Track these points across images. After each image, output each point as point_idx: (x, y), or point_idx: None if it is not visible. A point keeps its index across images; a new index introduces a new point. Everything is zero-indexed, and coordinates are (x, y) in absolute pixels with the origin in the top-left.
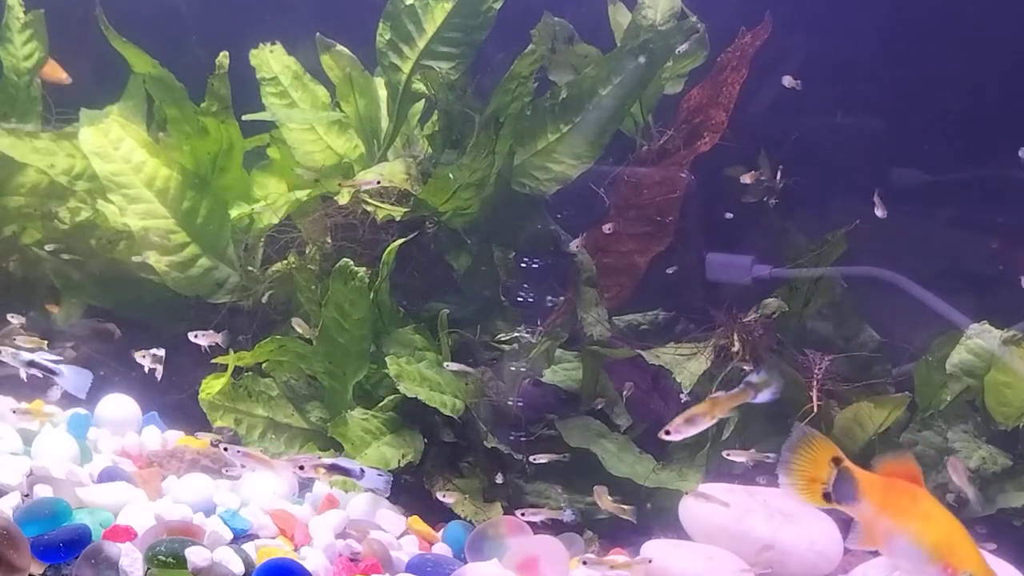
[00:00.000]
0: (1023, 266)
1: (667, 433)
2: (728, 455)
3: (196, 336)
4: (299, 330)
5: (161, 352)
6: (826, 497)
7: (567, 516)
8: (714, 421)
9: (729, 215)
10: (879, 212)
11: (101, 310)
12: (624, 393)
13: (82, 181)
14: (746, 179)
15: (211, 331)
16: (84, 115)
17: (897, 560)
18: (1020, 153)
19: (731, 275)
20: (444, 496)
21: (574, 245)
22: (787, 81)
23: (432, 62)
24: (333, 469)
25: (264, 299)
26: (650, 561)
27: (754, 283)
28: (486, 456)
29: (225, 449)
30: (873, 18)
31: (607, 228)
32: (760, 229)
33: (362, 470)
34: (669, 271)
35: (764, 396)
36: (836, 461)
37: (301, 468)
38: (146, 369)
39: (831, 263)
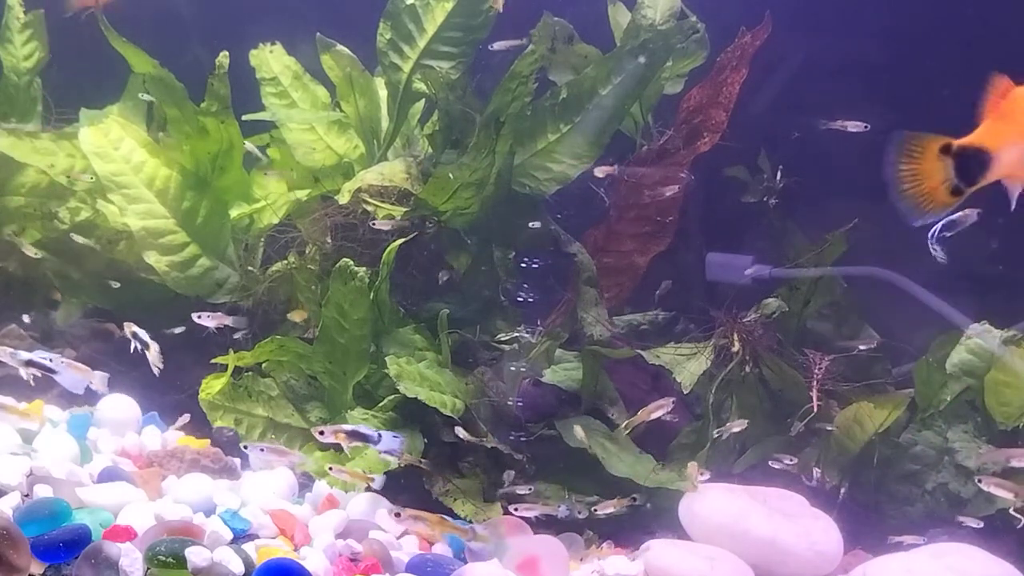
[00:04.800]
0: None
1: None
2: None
3: (202, 317)
4: (296, 320)
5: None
6: (956, 192)
7: (562, 511)
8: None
9: None
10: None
11: (101, 310)
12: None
13: (82, 181)
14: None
15: (219, 313)
16: (84, 115)
17: None
18: None
19: (731, 275)
20: (410, 461)
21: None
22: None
23: (432, 62)
24: (353, 435)
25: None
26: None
27: (754, 283)
28: (486, 456)
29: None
30: (873, 17)
31: None
32: (760, 229)
33: (379, 435)
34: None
35: (478, 548)
36: (945, 150)
37: (322, 433)
38: (138, 348)
39: (831, 263)
